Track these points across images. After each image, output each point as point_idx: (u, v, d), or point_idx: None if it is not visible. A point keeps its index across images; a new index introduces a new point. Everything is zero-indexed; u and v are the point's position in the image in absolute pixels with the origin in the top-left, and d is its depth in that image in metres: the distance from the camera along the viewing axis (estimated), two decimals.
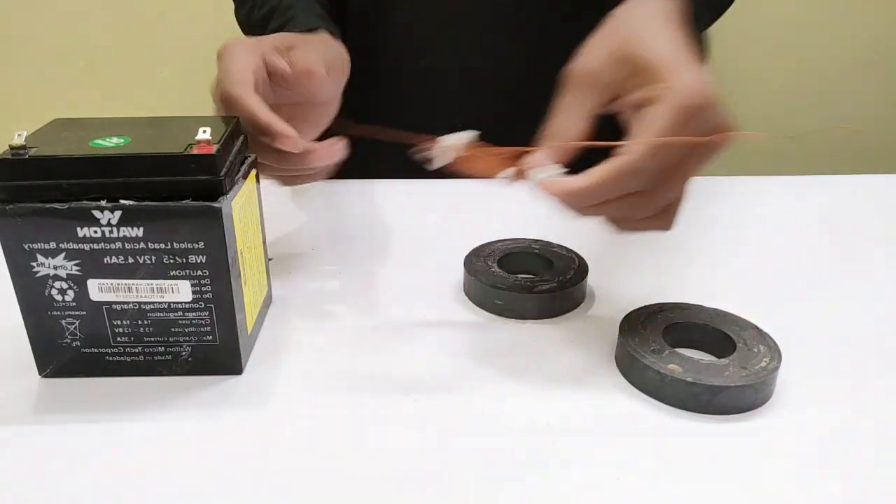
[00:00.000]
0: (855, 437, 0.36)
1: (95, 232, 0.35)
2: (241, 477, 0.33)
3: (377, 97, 0.72)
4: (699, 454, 0.35)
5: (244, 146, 0.41)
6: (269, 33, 0.57)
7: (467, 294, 0.49)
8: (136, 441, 0.35)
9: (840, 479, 0.33)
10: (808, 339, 0.44)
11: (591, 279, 0.49)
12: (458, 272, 0.50)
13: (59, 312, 0.37)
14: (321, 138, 0.49)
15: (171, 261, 0.36)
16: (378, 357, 0.42)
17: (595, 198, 0.38)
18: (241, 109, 0.44)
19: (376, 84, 0.73)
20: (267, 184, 0.46)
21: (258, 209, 0.43)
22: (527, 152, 0.40)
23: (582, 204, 0.38)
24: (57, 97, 1.32)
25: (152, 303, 0.37)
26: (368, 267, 0.53)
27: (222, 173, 0.36)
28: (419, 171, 0.49)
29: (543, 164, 0.39)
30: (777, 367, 0.38)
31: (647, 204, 0.39)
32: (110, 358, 0.39)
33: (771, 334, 0.41)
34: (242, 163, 0.40)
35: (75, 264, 0.36)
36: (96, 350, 0.38)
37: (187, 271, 0.37)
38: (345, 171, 0.52)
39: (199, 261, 0.36)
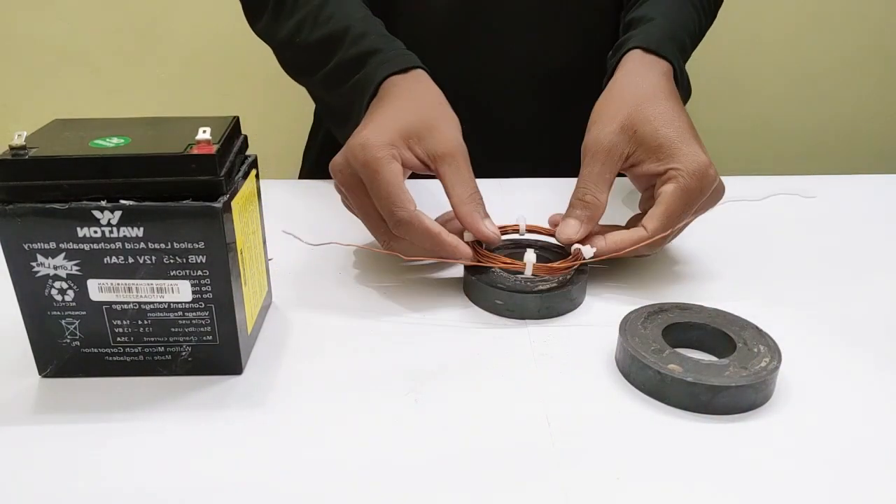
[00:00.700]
0: (855, 437, 0.36)
1: (95, 232, 0.35)
2: (241, 477, 0.33)
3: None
4: (699, 454, 0.35)
5: (244, 146, 0.41)
6: (341, 70, 0.57)
7: (467, 294, 0.49)
8: (136, 441, 0.35)
9: (840, 479, 0.33)
10: (808, 339, 0.44)
11: (591, 279, 0.49)
12: (458, 272, 0.50)
13: (59, 312, 0.37)
14: None
15: (171, 261, 0.36)
16: (378, 357, 0.42)
17: (610, 255, 0.48)
18: (420, 234, 0.45)
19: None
20: (267, 184, 0.46)
21: (258, 209, 0.43)
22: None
23: (599, 257, 0.48)
24: (57, 97, 1.32)
25: (152, 303, 0.37)
26: (368, 267, 0.52)
27: (222, 173, 0.36)
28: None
29: (580, 239, 0.49)
30: (777, 367, 0.38)
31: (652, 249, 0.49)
32: (110, 358, 0.39)
33: (771, 334, 0.41)
34: (242, 163, 0.40)
35: (75, 264, 0.36)
36: (96, 350, 0.38)
37: (187, 271, 0.37)
38: None
39: (199, 261, 0.36)
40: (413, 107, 0.51)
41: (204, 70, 1.30)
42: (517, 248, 0.52)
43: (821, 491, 0.32)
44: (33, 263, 0.36)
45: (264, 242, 0.45)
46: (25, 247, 0.35)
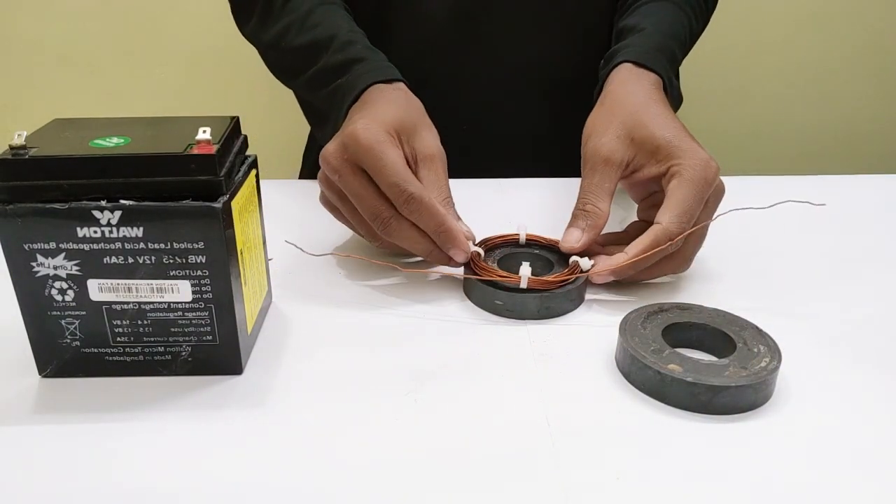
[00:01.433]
0: (855, 437, 0.36)
1: (95, 232, 0.35)
2: (240, 477, 0.33)
3: None
4: (699, 454, 0.35)
5: (244, 146, 0.41)
6: (325, 73, 0.58)
7: (467, 294, 0.49)
8: (136, 441, 0.35)
9: (840, 479, 0.33)
10: (808, 339, 0.44)
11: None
12: (458, 271, 0.50)
13: (58, 312, 0.37)
14: None
15: (171, 261, 0.36)
16: (378, 357, 0.42)
17: (637, 268, 0.46)
18: (428, 212, 0.46)
19: None
20: (267, 184, 0.46)
21: (258, 209, 0.43)
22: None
23: (626, 274, 0.47)
24: (57, 97, 1.32)
25: (152, 303, 0.37)
26: (368, 266, 0.53)
27: (222, 173, 0.36)
28: None
29: (582, 248, 0.49)
30: (777, 367, 0.38)
31: (676, 259, 0.48)
32: (110, 358, 0.39)
33: (771, 334, 0.41)
34: (242, 163, 0.40)
35: (75, 264, 0.36)
36: (96, 350, 0.38)
37: (187, 271, 0.37)
38: None
39: (199, 261, 0.36)
40: (400, 108, 0.52)
41: (204, 70, 1.30)
42: (517, 248, 0.52)
43: (821, 491, 0.32)
44: (33, 263, 0.36)
45: (264, 242, 0.45)
46: (25, 247, 0.35)
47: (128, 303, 0.37)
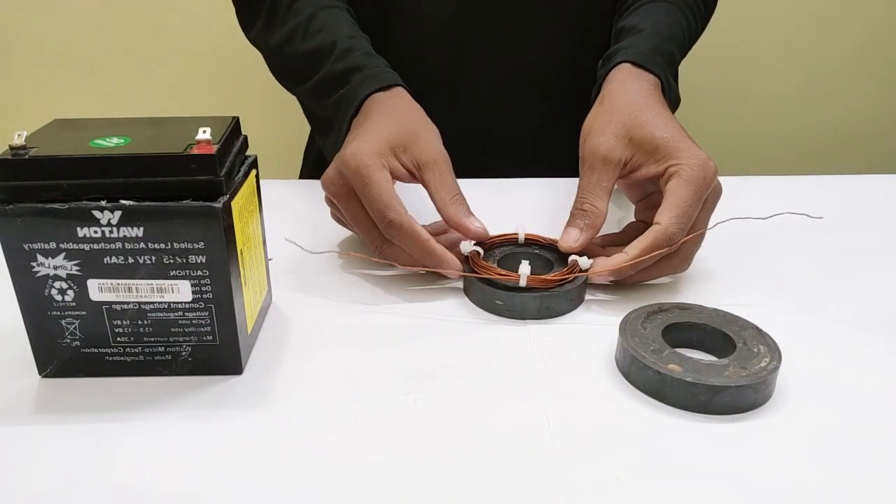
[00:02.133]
0: (855, 437, 0.36)
1: (95, 232, 0.35)
2: (240, 477, 0.33)
3: None
4: (699, 454, 0.35)
5: (244, 146, 0.41)
6: (327, 83, 0.59)
7: (467, 294, 0.49)
8: (136, 441, 0.35)
9: (840, 479, 0.33)
10: (808, 339, 0.44)
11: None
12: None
13: (58, 312, 0.37)
14: None
15: (171, 261, 0.36)
16: (378, 357, 0.42)
17: (637, 268, 0.46)
18: (410, 238, 0.46)
19: None
20: (267, 184, 0.46)
21: (258, 209, 0.43)
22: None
23: (626, 275, 0.47)
24: (57, 97, 1.32)
25: (152, 303, 0.37)
26: (369, 266, 0.53)
27: (222, 173, 0.36)
28: None
29: (580, 248, 0.49)
30: (777, 367, 0.38)
31: (675, 259, 0.48)
32: (110, 358, 0.39)
33: (771, 334, 0.41)
34: (242, 163, 0.40)
35: (75, 264, 0.36)
36: (96, 350, 0.38)
37: (187, 271, 0.37)
38: None
39: (199, 261, 0.36)
40: (396, 120, 0.53)
41: (204, 70, 1.30)
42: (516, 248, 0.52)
43: (821, 491, 0.32)
44: (33, 263, 0.36)
45: (264, 242, 0.45)
46: (25, 247, 0.35)
47: (128, 303, 0.37)
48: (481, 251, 0.49)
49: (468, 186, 0.51)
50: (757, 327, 0.41)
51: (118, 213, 0.35)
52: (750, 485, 0.33)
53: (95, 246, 0.36)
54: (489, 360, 0.42)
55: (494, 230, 0.52)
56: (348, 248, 0.55)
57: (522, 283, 0.45)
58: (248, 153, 0.42)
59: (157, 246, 0.36)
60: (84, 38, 1.27)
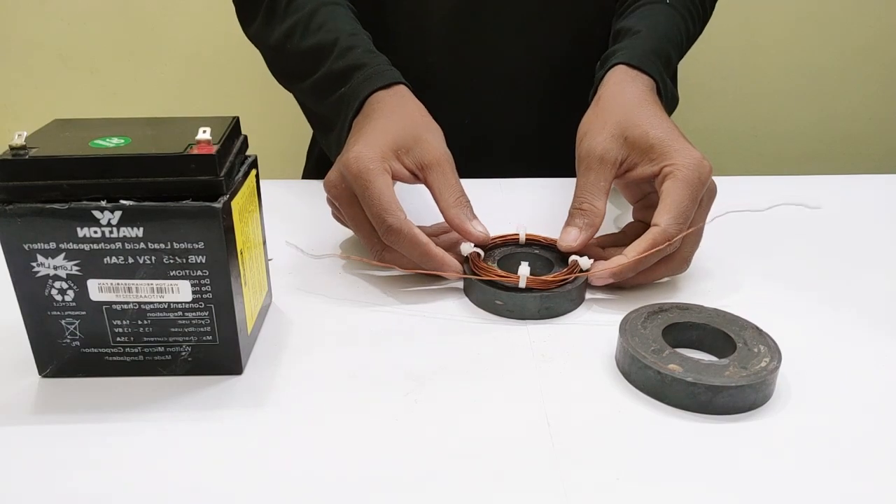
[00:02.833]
0: (855, 437, 0.36)
1: (95, 232, 0.35)
2: (240, 477, 0.33)
3: None
4: (699, 454, 0.35)
5: (244, 146, 0.41)
6: (328, 81, 0.58)
7: (467, 294, 0.49)
8: (136, 441, 0.35)
9: (840, 479, 0.33)
10: (808, 339, 0.44)
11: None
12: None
13: (58, 312, 0.37)
14: None
15: (171, 261, 0.36)
16: (378, 357, 0.42)
17: (636, 269, 0.47)
18: (408, 243, 0.46)
19: None
20: (267, 184, 0.46)
21: (258, 209, 0.43)
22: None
23: (626, 276, 0.47)
24: (57, 97, 1.32)
25: (152, 303, 0.37)
26: (368, 267, 0.53)
27: (222, 173, 0.36)
28: None
29: (580, 247, 0.49)
30: (777, 367, 0.38)
31: (674, 261, 0.48)
32: (110, 358, 0.39)
33: (771, 334, 0.41)
34: (242, 163, 0.40)
35: (75, 264, 0.36)
36: (96, 350, 0.38)
37: (187, 271, 0.37)
38: None
39: (199, 261, 0.36)
40: (399, 121, 0.52)
41: (204, 70, 1.30)
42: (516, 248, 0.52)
43: (821, 491, 0.32)
44: (33, 263, 0.36)
45: (264, 242, 0.45)
46: (25, 247, 0.35)
47: (128, 303, 0.37)
48: (482, 252, 0.49)
49: (468, 186, 0.51)
50: (757, 327, 0.41)
51: (118, 214, 0.35)
52: (750, 485, 0.33)
53: (95, 246, 0.36)
54: (489, 361, 0.42)
55: (495, 230, 0.52)
56: (349, 249, 0.56)
57: (522, 284, 0.45)
58: (248, 153, 0.42)
59: (157, 246, 0.36)
60: (84, 39, 1.27)
